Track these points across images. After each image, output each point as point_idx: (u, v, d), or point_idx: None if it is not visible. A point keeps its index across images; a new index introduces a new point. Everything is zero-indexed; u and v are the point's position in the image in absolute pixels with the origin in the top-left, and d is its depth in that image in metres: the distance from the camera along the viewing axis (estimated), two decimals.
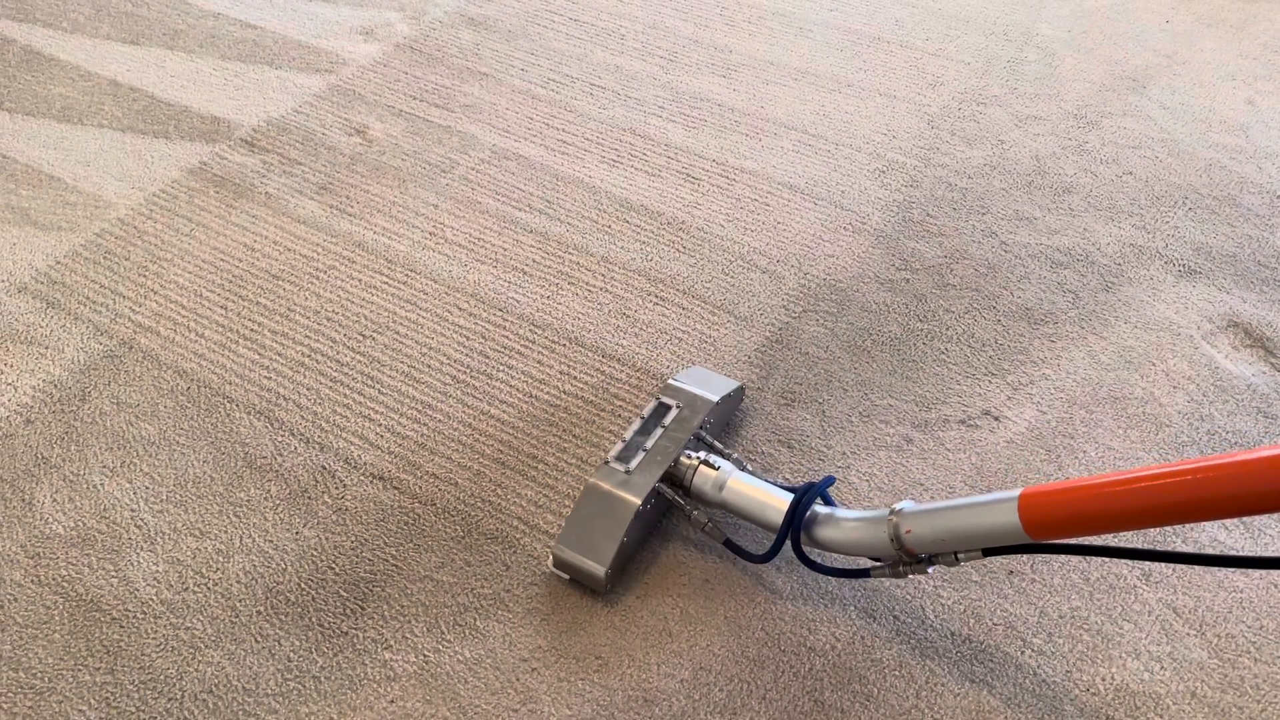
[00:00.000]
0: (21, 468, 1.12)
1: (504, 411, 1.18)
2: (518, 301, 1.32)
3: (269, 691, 0.94)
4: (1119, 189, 1.51)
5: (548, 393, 1.21)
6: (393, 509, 1.09)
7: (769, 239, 1.41)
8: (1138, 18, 1.88)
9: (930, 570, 0.93)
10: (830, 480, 1.01)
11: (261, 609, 1.00)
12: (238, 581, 1.02)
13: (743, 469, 1.05)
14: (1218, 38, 1.83)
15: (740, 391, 1.18)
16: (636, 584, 1.03)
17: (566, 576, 1.02)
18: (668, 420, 1.08)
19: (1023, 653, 0.98)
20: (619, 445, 1.06)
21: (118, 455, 1.13)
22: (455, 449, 1.14)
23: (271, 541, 1.05)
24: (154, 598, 1.01)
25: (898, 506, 0.91)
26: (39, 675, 0.95)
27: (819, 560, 1.00)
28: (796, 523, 0.97)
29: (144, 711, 0.93)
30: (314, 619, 0.99)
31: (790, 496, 0.99)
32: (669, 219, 1.44)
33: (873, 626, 1.00)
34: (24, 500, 1.09)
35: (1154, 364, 1.25)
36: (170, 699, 0.94)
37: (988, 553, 0.86)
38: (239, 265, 1.35)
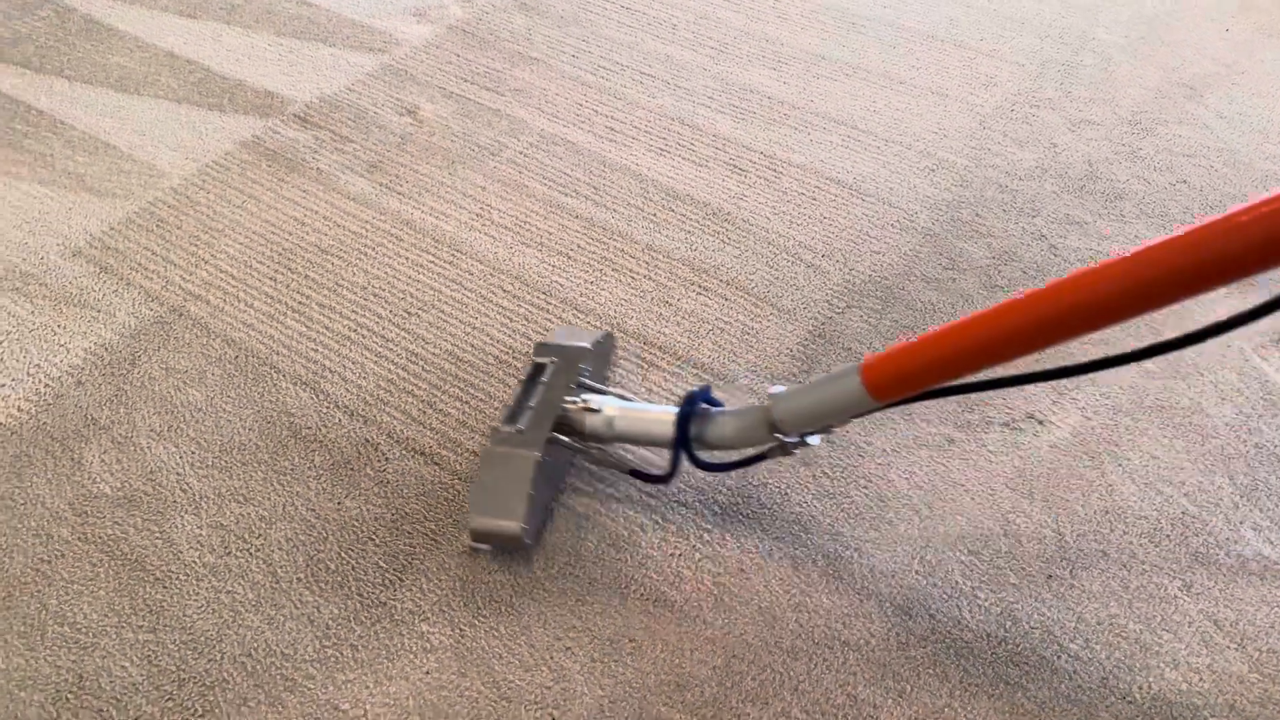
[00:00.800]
0: (71, 428, 1.14)
1: None
2: (561, 285, 1.32)
3: (307, 657, 0.96)
4: (1172, 197, 1.49)
5: None
6: (433, 484, 1.10)
7: (814, 233, 1.41)
8: (1197, 25, 1.85)
9: (811, 442, 0.99)
10: (707, 388, 1.05)
11: (302, 576, 1.01)
12: (279, 548, 1.03)
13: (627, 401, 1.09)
14: (1278, 48, 1.80)
15: (610, 338, 1.23)
16: (670, 570, 1.03)
17: (487, 547, 1.04)
18: (546, 376, 1.11)
19: (1059, 657, 0.98)
20: (505, 411, 1.09)
21: (165, 419, 1.15)
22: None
23: (314, 510, 1.07)
24: (197, 560, 1.02)
25: (771, 393, 0.97)
26: (84, 630, 0.97)
27: (713, 461, 1.05)
28: (685, 431, 1.01)
29: (184, 671, 0.95)
30: (353, 588, 1.00)
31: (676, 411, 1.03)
32: (715, 209, 1.44)
33: (908, 623, 1.00)
34: (73, 459, 1.11)
35: (1202, 374, 1.23)
36: (210, 660, 0.95)
37: (853, 416, 0.95)
38: (289, 238, 1.37)
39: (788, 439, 0.97)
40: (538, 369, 1.12)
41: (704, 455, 1.04)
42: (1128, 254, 0.72)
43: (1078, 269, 0.75)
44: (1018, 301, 0.79)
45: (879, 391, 0.89)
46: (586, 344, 1.14)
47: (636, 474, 1.08)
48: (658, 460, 1.12)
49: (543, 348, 1.14)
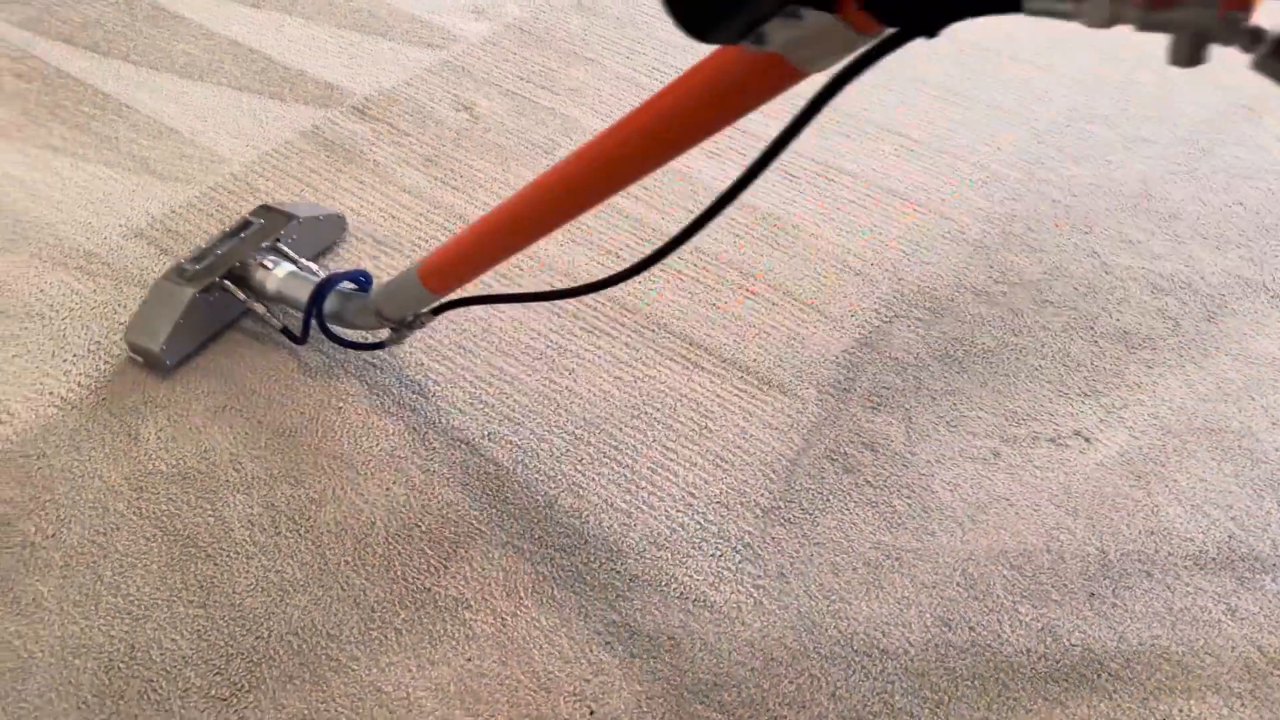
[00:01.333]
0: (129, 404, 1.16)
1: (589, 390, 1.20)
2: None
3: (351, 639, 0.97)
4: (1228, 219, 1.47)
5: (632, 375, 1.22)
6: (478, 474, 1.11)
7: (864, 241, 1.41)
8: None
9: (412, 332, 1.13)
10: (362, 272, 1.19)
11: (349, 559, 1.03)
12: (328, 530, 1.05)
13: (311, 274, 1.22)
14: None
15: (339, 220, 1.37)
16: (710, 571, 1.04)
17: (141, 360, 1.19)
18: (246, 233, 1.25)
19: (1099, 676, 0.97)
20: (197, 250, 1.23)
21: (220, 400, 1.17)
22: (538, 423, 1.16)
23: (362, 495, 1.08)
24: (247, 539, 1.05)
25: (380, 284, 1.13)
26: (136, 602, 1.00)
27: (340, 335, 1.18)
28: (316, 302, 1.15)
29: (232, 646, 0.97)
30: (399, 573, 1.02)
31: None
32: (764, 214, 1.44)
33: (947, 635, 1.00)
34: (130, 435, 1.13)
35: (1253, 399, 1.22)
36: (258, 637, 0.97)
37: (434, 312, 1.09)
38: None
39: (395, 325, 1.11)
40: (245, 224, 1.26)
41: (336, 329, 1.18)
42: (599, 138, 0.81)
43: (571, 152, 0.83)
44: (528, 187, 0.88)
45: (431, 281, 1.01)
46: (299, 216, 1.28)
47: (287, 333, 1.20)
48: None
49: (261, 210, 1.29)
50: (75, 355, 1.21)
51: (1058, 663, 0.98)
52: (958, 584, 1.04)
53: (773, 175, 1.50)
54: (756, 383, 1.22)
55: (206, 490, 1.09)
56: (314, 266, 1.24)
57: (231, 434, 1.14)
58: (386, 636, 0.98)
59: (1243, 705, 0.95)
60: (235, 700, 0.93)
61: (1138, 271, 1.38)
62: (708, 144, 1.54)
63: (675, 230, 0.81)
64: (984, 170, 1.53)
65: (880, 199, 1.48)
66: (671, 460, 1.13)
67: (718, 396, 1.20)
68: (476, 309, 1.26)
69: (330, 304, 1.17)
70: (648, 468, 1.13)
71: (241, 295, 1.20)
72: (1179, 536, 1.08)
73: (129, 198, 1.42)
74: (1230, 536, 1.08)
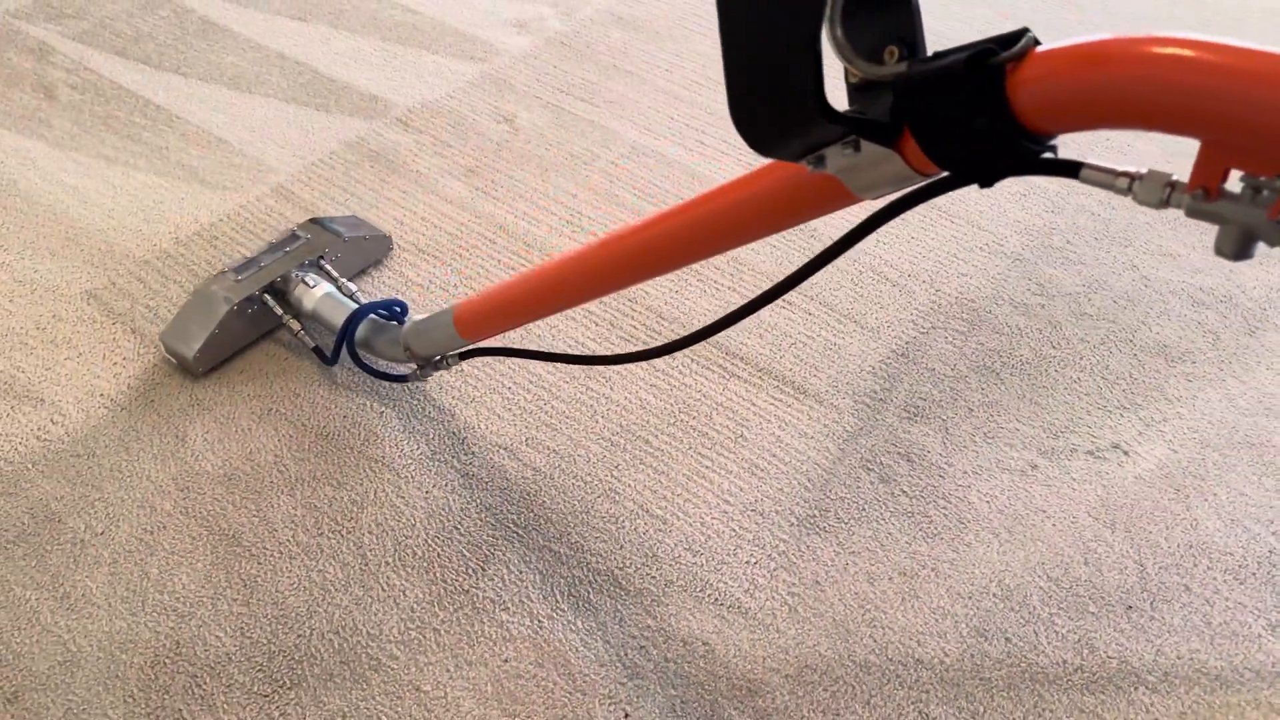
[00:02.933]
0: (177, 406, 1.19)
1: (625, 397, 1.21)
2: (647, 293, 1.35)
3: (391, 638, 0.99)
4: None
5: (668, 383, 1.23)
6: (515, 479, 1.13)
7: (901, 252, 1.41)
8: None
9: (436, 371, 1.14)
10: (398, 301, 1.20)
11: (390, 560, 1.05)
12: (369, 532, 1.07)
13: (351, 297, 1.23)
14: None
15: (385, 240, 1.37)
16: (745, 578, 1.04)
17: (174, 361, 1.22)
18: (292, 247, 1.27)
19: (1136, 689, 0.97)
20: (242, 260, 1.25)
21: (265, 403, 1.20)
22: (575, 429, 1.18)
23: (403, 497, 1.10)
24: (290, 539, 1.07)
25: (412, 319, 1.12)
26: (182, 599, 1.02)
27: (369, 363, 1.19)
28: (350, 330, 1.16)
29: (274, 644, 0.99)
30: (438, 574, 1.04)
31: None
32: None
33: (983, 645, 1.00)
34: (178, 437, 1.16)
35: None
36: (299, 635, 0.99)
37: (462, 356, 1.11)
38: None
39: (422, 362, 1.13)
40: (292, 238, 1.28)
41: (367, 357, 1.19)
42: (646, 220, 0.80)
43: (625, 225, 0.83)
44: (575, 255, 0.88)
45: (465, 328, 1.01)
46: (345, 235, 1.29)
47: (318, 353, 1.21)
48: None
49: (309, 224, 1.30)
50: (125, 359, 1.24)
51: (1094, 675, 0.97)
52: (994, 595, 1.03)
53: None
54: (792, 392, 1.22)
55: (251, 491, 1.11)
56: (353, 288, 1.26)
57: (276, 436, 1.16)
58: (425, 636, 0.99)
59: None
60: (277, 697, 0.95)
61: (1177, 285, 1.37)
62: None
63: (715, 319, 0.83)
64: (1023, 182, 1.53)
65: (917, 210, 1.48)
66: (707, 468, 1.14)
67: (753, 405, 1.21)
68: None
69: (362, 331, 1.18)
70: (684, 475, 1.14)
71: (279, 310, 1.22)
72: (1218, 550, 1.07)
73: (178, 205, 1.46)
74: (1271, 551, 1.07)
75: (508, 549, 1.06)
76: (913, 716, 0.95)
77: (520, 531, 1.08)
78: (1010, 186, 1.52)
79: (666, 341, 0.89)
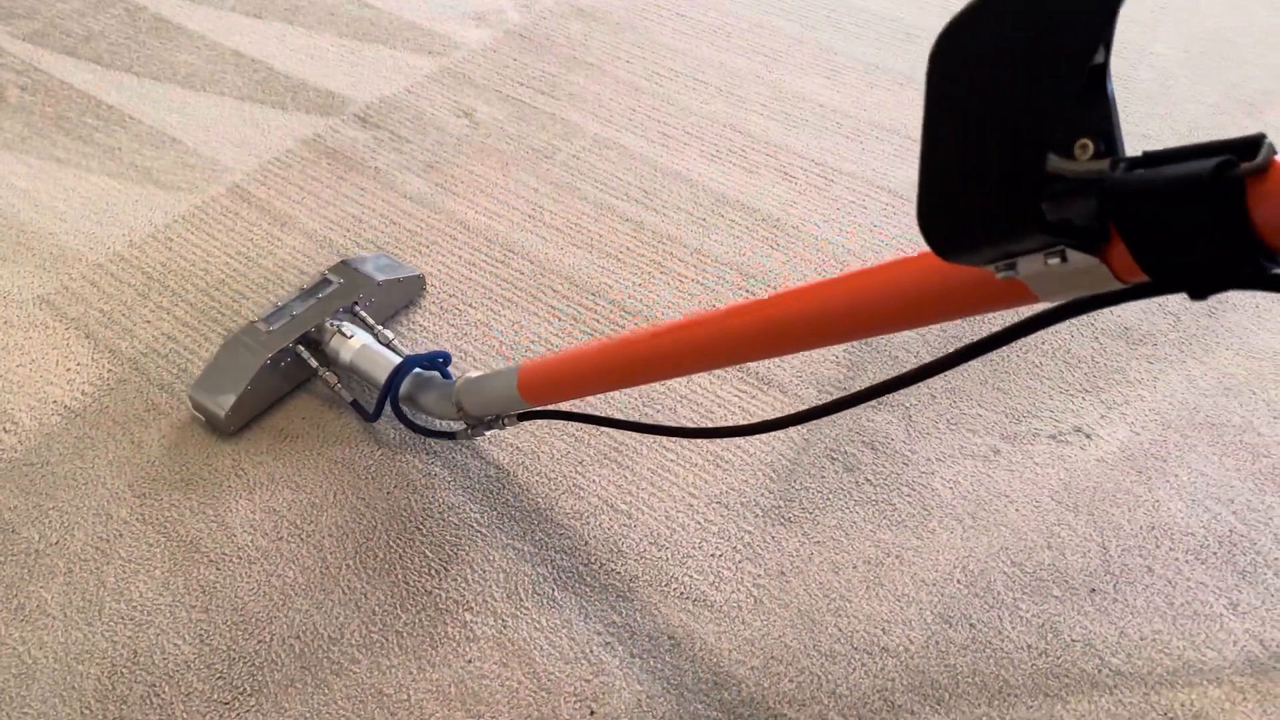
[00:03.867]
0: (133, 412, 1.17)
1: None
2: (610, 287, 1.34)
3: (353, 642, 0.98)
4: None
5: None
6: (478, 477, 1.12)
7: (864, 240, 1.41)
8: (1261, 39, 1.82)
9: (488, 432, 1.09)
10: (443, 354, 1.14)
11: (350, 563, 1.04)
12: (329, 535, 1.06)
13: (388, 345, 1.17)
14: None
15: (419, 280, 1.30)
16: (710, 570, 1.04)
17: (203, 418, 1.15)
18: (325, 293, 1.20)
19: (1100, 671, 0.97)
20: (271, 309, 1.18)
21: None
22: (539, 426, 1.17)
23: (364, 499, 1.09)
24: (249, 544, 1.05)
25: (465, 375, 1.05)
26: (139, 608, 1.00)
27: (414, 419, 1.13)
28: (395, 385, 1.10)
29: (234, 650, 0.97)
30: (399, 576, 1.03)
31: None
32: (764, 215, 1.45)
33: (948, 632, 1.00)
34: (134, 443, 1.14)
35: (1254, 393, 1.22)
36: (260, 640, 0.98)
37: (521, 418, 1.04)
38: (346, 234, 1.40)
39: (474, 421, 1.06)
40: (323, 283, 1.21)
41: (410, 412, 1.13)
42: (763, 299, 0.72)
43: (731, 305, 0.76)
44: (675, 327, 0.80)
45: (528, 392, 0.95)
46: (378, 278, 1.22)
47: (356, 407, 1.15)
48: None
49: (340, 267, 1.23)
50: (79, 364, 1.22)
51: (1059, 659, 0.98)
52: (958, 581, 1.04)
53: (772, 176, 1.51)
54: (756, 382, 1.22)
55: (209, 496, 1.09)
56: (390, 335, 1.18)
57: (234, 440, 1.15)
58: (388, 639, 0.98)
59: (1245, 699, 0.95)
60: (237, 704, 0.94)
61: None
62: (706, 146, 1.56)
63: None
64: None
65: (880, 198, 1.48)
66: (671, 461, 1.14)
67: (717, 397, 1.20)
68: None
69: (406, 385, 1.11)
70: (648, 469, 1.13)
71: (314, 363, 1.15)
72: (1180, 531, 1.08)
73: (132, 207, 1.44)
74: (1231, 530, 1.08)
75: (470, 548, 1.05)
76: (879, 704, 0.95)
77: (483, 530, 1.07)
78: None
79: (783, 415, 0.81)
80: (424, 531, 1.06)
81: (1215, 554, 1.06)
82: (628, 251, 1.39)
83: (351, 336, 1.15)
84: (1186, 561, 1.05)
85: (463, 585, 1.02)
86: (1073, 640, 0.99)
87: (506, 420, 1.05)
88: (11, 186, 1.46)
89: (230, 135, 1.57)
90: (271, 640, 0.98)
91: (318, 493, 1.10)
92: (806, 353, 1.25)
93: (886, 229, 1.43)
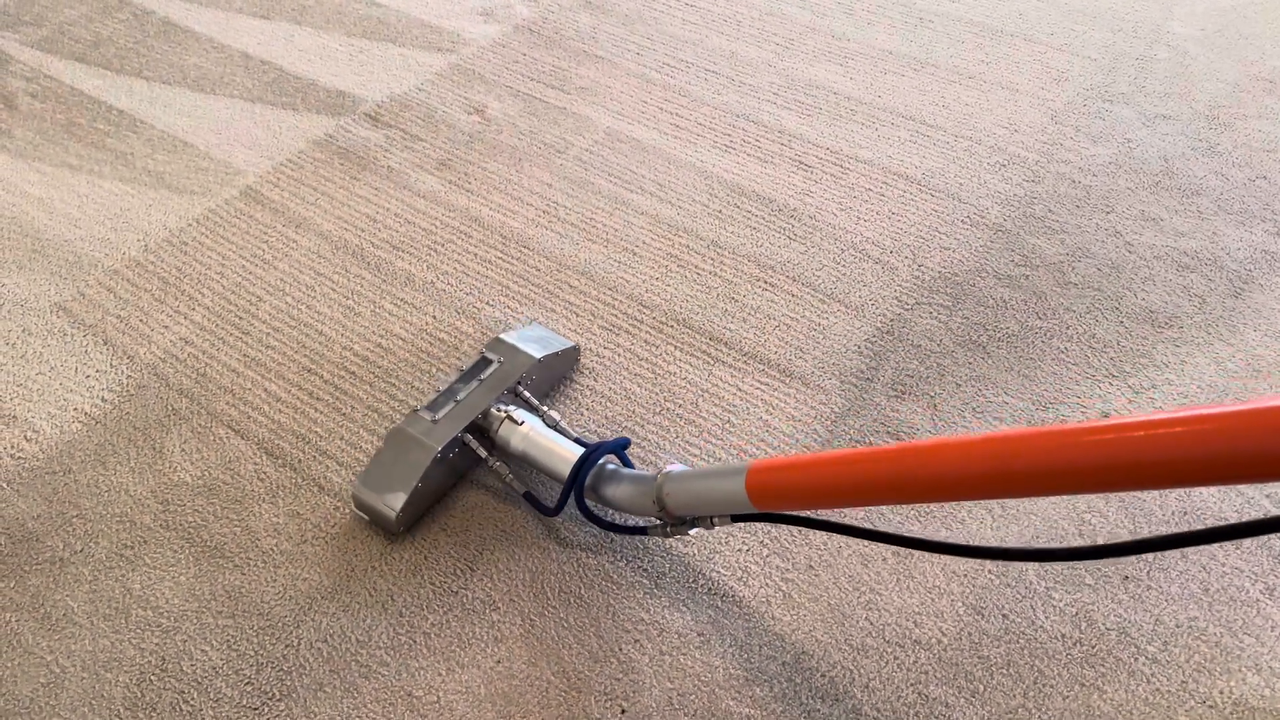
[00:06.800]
0: (154, 418, 1.17)
1: (609, 388, 1.19)
2: (627, 281, 1.33)
3: (381, 644, 0.97)
4: (1251, 193, 1.45)
5: (653, 371, 1.21)
6: (502, 476, 1.11)
7: (882, 229, 1.40)
8: (1276, 16, 1.80)
9: (691, 532, 0.96)
10: (624, 441, 1.04)
11: (376, 564, 1.03)
12: (354, 537, 1.05)
13: (554, 427, 1.08)
14: None
15: (574, 351, 1.21)
16: (738, 566, 1.03)
17: (367, 517, 1.06)
18: (486, 374, 1.11)
19: (1136, 659, 0.96)
20: (433, 395, 1.10)
21: (242, 410, 1.17)
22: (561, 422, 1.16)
23: None
24: (274, 548, 1.05)
25: (667, 470, 0.95)
26: (166, 614, 1.00)
27: (601, 514, 1.04)
28: (580, 477, 1.00)
29: (262, 656, 0.97)
30: (425, 577, 1.02)
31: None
32: (780, 206, 1.43)
33: (980, 623, 0.98)
34: (155, 449, 1.14)
35: None
36: (287, 645, 0.97)
37: (735, 519, 0.91)
38: (360, 235, 1.39)
39: (674, 521, 0.96)
40: (483, 363, 1.13)
41: (593, 505, 1.04)
42: (1050, 429, 0.61)
43: (994, 432, 0.67)
44: (920, 445, 0.71)
45: (758, 497, 0.85)
46: (537, 355, 1.13)
47: (531, 500, 1.06)
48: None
49: (496, 344, 1.14)
50: (98, 371, 1.22)
51: (1093, 648, 0.97)
52: (990, 571, 1.02)
53: (787, 166, 1.49)
54: (778, 375, 1.21)
55: (232, 501, 1.09)
56: (556, 416, 1.11)
57: (256, 443, 1.14)
58: (415, 641, 0.97)
59: None
60: (266, 709, 0.93)
61: (1161, 250, 1.36)
62: (719, 137, 1.54)
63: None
64: (1001, 153, 1.52)
65: (897, 185, 1.46)
66: (695, 455, 1.13)
67: (740, 390, 1.19)
68: None
69: (590, 477, 1.02)
70: (665, 459, 1.12)
71: (482, 452, 1.07)
72: (1213, 517, 1.06)
73: (146, 212, 1.43)
74: (1265, 514, 1.06)
75: (496, 548, 1.05)
76: (912, 698, 0.94)
77: (508, 530, 1.06)
78: (988, 157, 1.51)
79: (1046, 548, 0.72)
80: (449, 532, 1.06)
81: (1250, 540, 1.04)
82: (643, 245, 1.38)
83: (522, 423, 1.07)
84: (1221, 548, 1.04)
85: (489, 585, 1.01)
86: (1108, 629, 0.98)
87: (717, 520, 0.93)
88: (25, 194, 1.46)
89: (242, 137, 1.56)
90: (299, 645, 0.97)
91: (341, 495, 1.09)
92: (828, 347, 1.24)
93: (905, 216, 1.42)
